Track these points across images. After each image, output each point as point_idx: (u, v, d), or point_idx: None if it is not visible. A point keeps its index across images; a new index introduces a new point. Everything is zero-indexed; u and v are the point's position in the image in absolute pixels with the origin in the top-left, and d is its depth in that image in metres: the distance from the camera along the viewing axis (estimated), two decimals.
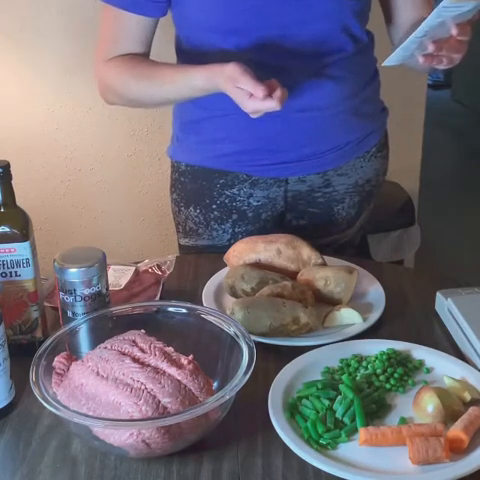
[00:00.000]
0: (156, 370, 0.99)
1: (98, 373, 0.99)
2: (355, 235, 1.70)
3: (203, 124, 1.52)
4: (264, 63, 1.36)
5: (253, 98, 1.24)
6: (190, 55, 1.45)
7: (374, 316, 1.27)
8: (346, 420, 1.02)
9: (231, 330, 1.07)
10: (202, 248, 1.63)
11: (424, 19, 1.16)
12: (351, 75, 1.47)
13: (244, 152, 1.51)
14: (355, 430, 1.01)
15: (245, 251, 1.39)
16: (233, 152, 1.51)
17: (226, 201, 1.57)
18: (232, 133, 1.49)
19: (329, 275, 1.30)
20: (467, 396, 1.05)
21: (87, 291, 1.15)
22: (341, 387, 1.06)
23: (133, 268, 1.41)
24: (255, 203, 1.57)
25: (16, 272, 1.14)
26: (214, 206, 1.57)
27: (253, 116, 1.28)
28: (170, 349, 1.03)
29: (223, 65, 1.27)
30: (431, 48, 1.20)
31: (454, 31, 1.18)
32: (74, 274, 1.14)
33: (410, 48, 1.23)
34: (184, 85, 1.38)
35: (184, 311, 1.14)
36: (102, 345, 1.06)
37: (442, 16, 1.15)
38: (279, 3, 1.35)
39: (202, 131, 1.53)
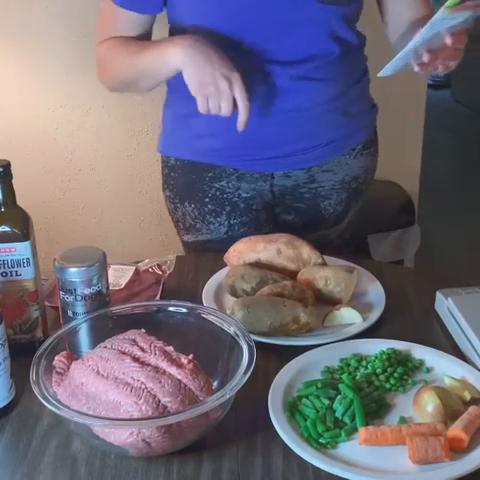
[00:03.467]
0: (156, 369, 0.99)
1: (98, 372, 0.99)
2: (344, 231, 1.71)
3: (192, 119, 1.52)
4: (249, 66, 1.37)
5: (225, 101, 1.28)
6: None
7: (374, 316, 1.28)
8: (346, 419, 1.02)
9: (231, 329, 1.07)
10: (203, 243, 1.64)
11: (420, 30, 1.18)
12: (338, 77, 1.48)
13: (231, 148, 1.52)
14: (355, 429, 1.01)
15: (245, 251, 1.39)
16: (220, 147, 1.53)
17: (217, 193, 1.58)
18: (219, 129, 1.49)
19: (329, 275, 1.30)
20: (467, 395, 1.05)
21: (87, 290, 1.15)
22: (341, 386, 1.06)
23: (133, 268, 1.41)
24: (244, 194, 1.59)
25: (16, 272, 1.15)
26: (207, 199, 1.59)
27: (206, 109, 1.31)
28: (170, 348, 1.03)
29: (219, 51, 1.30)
30: (426, 58, 1.22)
31: (449, 40, 1.20)
32: (74, 273, 1.14)
33: (406, 58, 1.25)
34: (153, 53, 1.37)
35: (184, 310, 1.14)
36: (102, 344, 1.06)
37: (437, 28, 1.16)
38: (265, 6, 1.36)
39: (191, 125, 1.54)
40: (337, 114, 1.52)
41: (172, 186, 1.63)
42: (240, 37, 1.38)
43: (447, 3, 1.12)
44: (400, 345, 1.18)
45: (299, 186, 1.59)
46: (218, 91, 1.28)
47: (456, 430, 0.97)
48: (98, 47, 1.49)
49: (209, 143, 1.53)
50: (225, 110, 1.29)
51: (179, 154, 1.60)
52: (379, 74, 1.31)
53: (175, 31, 1.47)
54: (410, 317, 1.31)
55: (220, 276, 1.39)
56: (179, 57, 1.31)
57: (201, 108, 1.31)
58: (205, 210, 1.60)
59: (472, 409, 1.01)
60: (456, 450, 0.96)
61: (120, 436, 0.94)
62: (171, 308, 1.15)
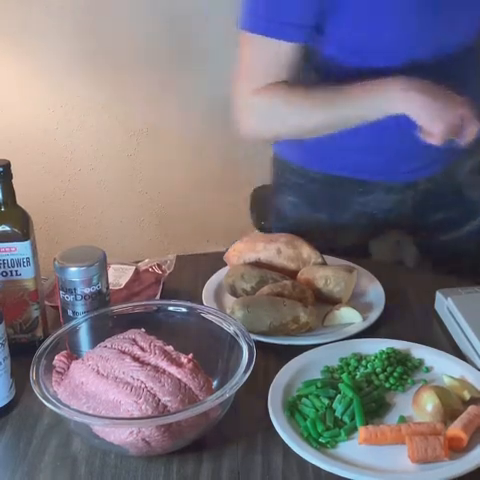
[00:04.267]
0: (156, 369, 0.99)
1: (98, 372, 0.99)
2: None
3: (341, 132, 1.44)
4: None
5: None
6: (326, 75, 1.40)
7: (374, 315, 1.28)
8: (345, 419, 1.02)
9: (231, 329, 1.07)
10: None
11: None
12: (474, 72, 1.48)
13: (382, 160, 1.50)
14: (355, 429, 1.01)
15: (245, 250, 1.39)
16: (371, 161, 1.50)
17: (357, 207, 1.56)
18: (370, 141, 1.45)
19: (329, 274, 1.30)
20: (466, 395, 1.05)
21: (87, 290, 1.15)
22: (341, 386, 1.06)
23: (133, 267, 1.41)
24: (385, 207, 1.57)
25: (16, 271, 1.15)
26: (346, 213, 1.57)
27: (438, 140, 1.29)
28: (170, 348, 1.03)
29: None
30: None
31: None
32: (74, 273, 1.14)
33: None
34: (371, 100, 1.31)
35: (184, 310, 1.14)
36: (102, 344, 1.06)
37: None
38: (437, 25, 1.33)
39: (340, 139, 1.45)
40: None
41: (304, 195, 1.59)
42: (404, 55, 1.34)
43: None
44: (400, 344, 1.18)
45: (439, 184, 1.57)
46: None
47: (455, 429, 0.97)
48: (252, 96, 1.36)
49: (359, 157, 1.50)
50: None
51: (324, 168, 1.55)
52: None
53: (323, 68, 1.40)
54: (410, 317, 1.31)
55: (220, 276, 1.39)
56: (413, 106, 1.27)
57: (440, 143, 1.29)
58: (338, 221, 1.58)
59: (471, 408, 1.01)
60: (455, 449, 0.96)
61: (120, 435, 0.95)
62: (171, 308, 1.15)
